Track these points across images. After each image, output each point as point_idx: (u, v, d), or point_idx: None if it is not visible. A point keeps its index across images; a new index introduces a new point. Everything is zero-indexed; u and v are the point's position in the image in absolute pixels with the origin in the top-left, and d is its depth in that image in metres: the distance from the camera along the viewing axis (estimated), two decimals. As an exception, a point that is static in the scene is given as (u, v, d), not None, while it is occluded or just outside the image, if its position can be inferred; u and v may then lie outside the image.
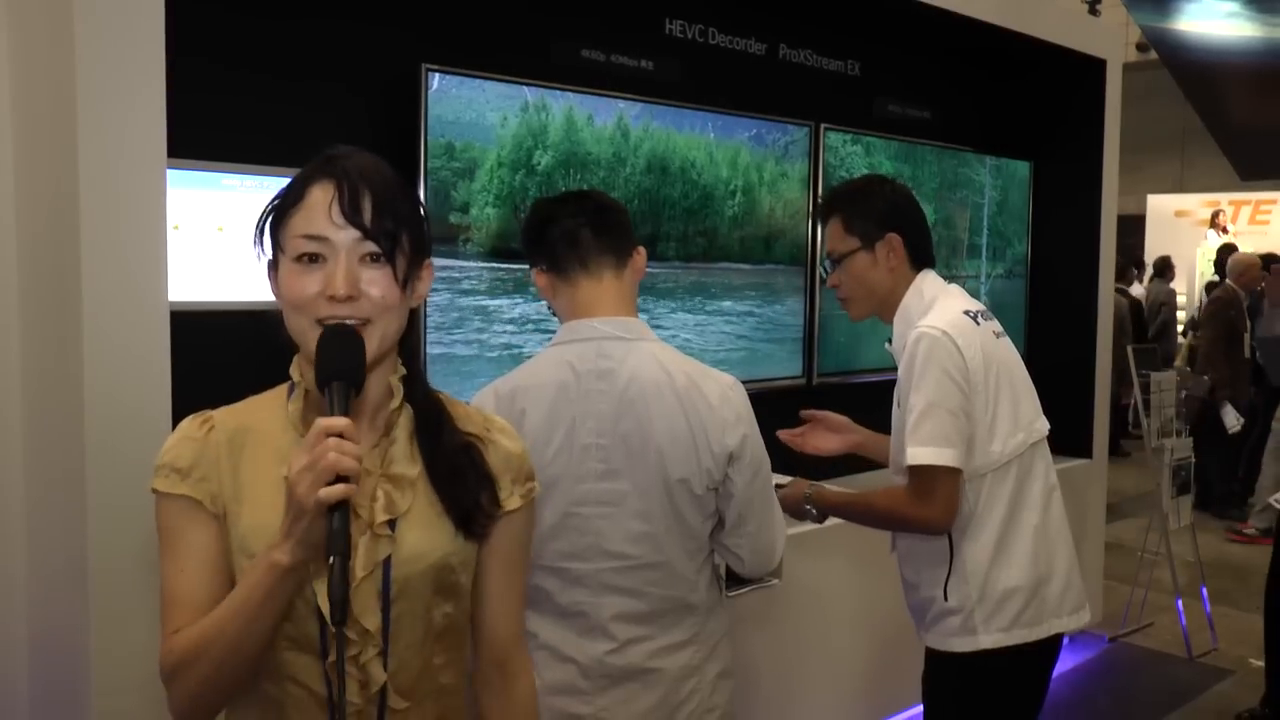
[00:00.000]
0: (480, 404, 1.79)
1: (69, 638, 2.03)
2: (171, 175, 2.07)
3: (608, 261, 1.86)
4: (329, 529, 1.09)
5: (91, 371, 1.93)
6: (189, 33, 2.22)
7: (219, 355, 2.41)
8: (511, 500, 1.36)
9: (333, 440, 1.09)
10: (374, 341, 1.23)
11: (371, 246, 1.22)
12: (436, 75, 2.75)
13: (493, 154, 2.91)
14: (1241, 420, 6.56)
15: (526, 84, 2.96)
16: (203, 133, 2.38)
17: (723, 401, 1.82)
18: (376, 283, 1.22)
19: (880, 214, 2.24)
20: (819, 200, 3.74)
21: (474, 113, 2.85)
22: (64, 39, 1.92)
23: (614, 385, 1.81)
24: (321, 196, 1.22)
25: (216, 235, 2.47)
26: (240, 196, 2.50)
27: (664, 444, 1.79)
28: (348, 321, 1.21)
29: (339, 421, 1.11)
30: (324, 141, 2.77)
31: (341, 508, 1.10)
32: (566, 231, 1.87)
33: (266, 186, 2.53)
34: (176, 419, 1.99)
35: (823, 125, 3.82)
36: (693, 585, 1.86)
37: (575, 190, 1.98)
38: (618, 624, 1.82)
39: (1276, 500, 3.79)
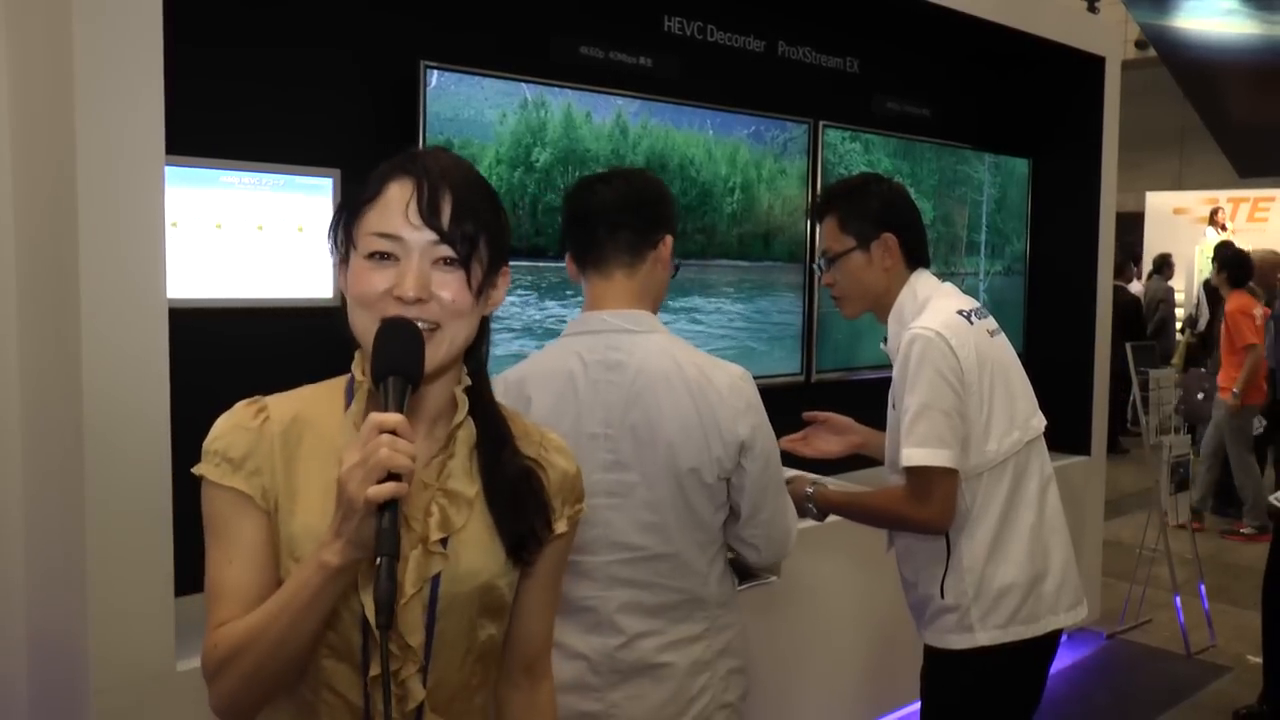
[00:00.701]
0: (502, 387, 1.78)
1: (67, 636, 2.02)
2: (169, 172, 2.06)
3: (620, 261, 1.86)
4: (378, 528, 1.05)
5: (90, 368, 1.92)
6: (187, 29, 2.22)
7: (217, 352, 2.41)
8: (560, 524, 1.33)
9: (386, 436, 1.05)
10: (441, 348, 1.18)
11: (447, 250, 1.17)
12: (435, 72, 2.75)
13: (491, 151, 2.91)
14: (1264, 423, 6.57)
15: (525, 81, 2.96)
16: (201, 129, 2.38)
17: (733, 391, 1.82)
18: (448, 286, 1.18)
19: (876, 214, 2.24)
20: (816, 197, 3.74)
21: (473, 110, 2.85)
22: (63, 36, 1.91)
23: (623, 376, 1.81)
24: (399, 194, 1.18)
25: (215, 232, 2.47)
26: (238, 194, 2.50)
27: (674, 434, 1.79)
28: (418, 318, 1.16)
29: (392, 417, 1.07)
30: (323, 139, 2.79)
31: (392, 506, 1.05)
32: (584, 228, 1.87)
33: (264, 183, 2.53)
34: (175, 416, 2.01)
35: (821, 122, 3.82)
36: (704, 578, 1.86)
37: (609, 172, 1.94)
38: (626, 617, 1.81)
39: (1276, 499, 3.79)
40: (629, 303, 1.86)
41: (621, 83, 3.27)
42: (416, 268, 1.16)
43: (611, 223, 1.85)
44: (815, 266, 2.42)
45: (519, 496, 1.28)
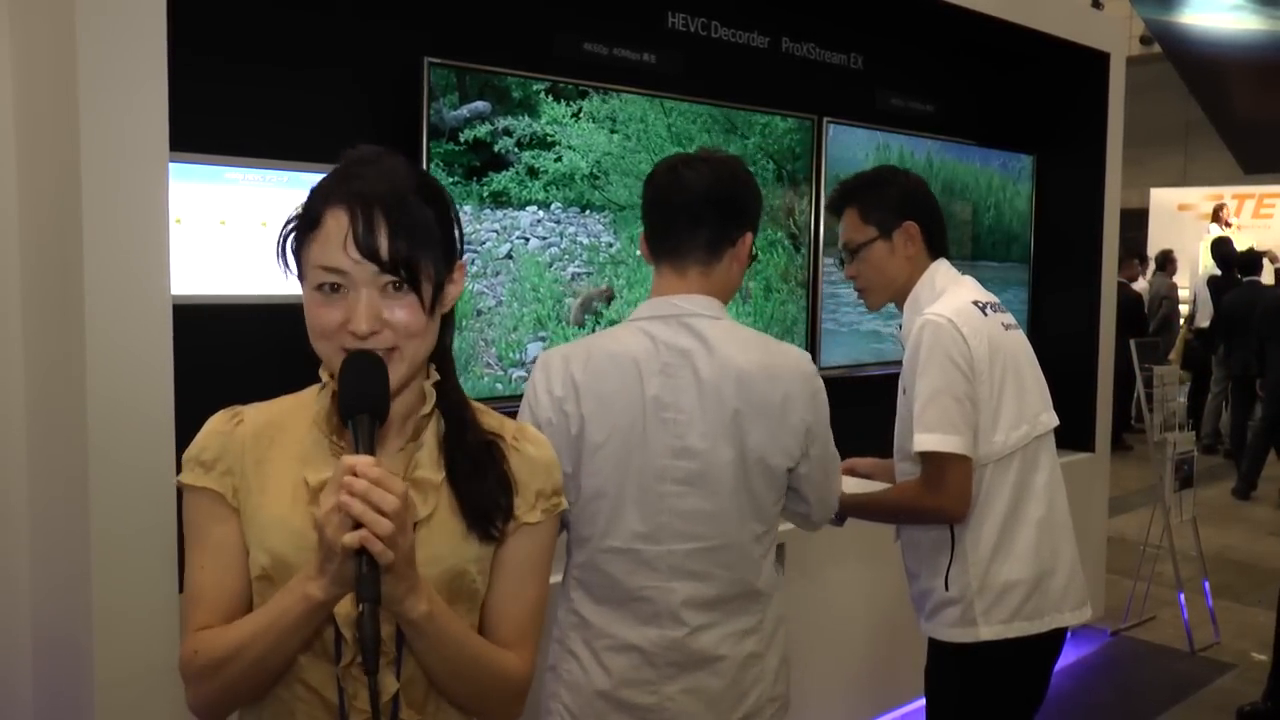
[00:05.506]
0: (545, 364, 1.77)
1: (72, 632, 2.03)
2: (173, 169, 2.06)
3: (697, 258, 1.81)
4: (357, 573, 1.07)
5: (94, 365, 1.92)
6: (191, 25, 2.22)
7: (221, 349, 2.41)
8: (533, 514, 1.32)
9: (361, 485, 1.06)
10: (401, 367, 1.20)
11: (392, 277, 1.18)
12: (439, 68, 2.74)
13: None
14: None
15: (528, 77, 2.95)
16: (205, 126, 2.37)
17: (801, 377, 1.81)
18: (400, 310, 1.19)
19: (897, 202, 2.24)
20: (820, 193, 3.73)
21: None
22: (66, 33, 1.91)
23: (696, 361, 1.76)
24: (336, 227, 1.17)
25: (219, 229, 2.47)
26: (242, 190, 2.50)
27: (746, 422, 1.76)
28: (374, 348, 1.18)
29: (363, 460, 1.08)
30: (326, 135, 2.78)
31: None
32: (663, 217, 1.83)
33: (268, 180, 2.53)
34: (179, 413, 2.01)
35: (825, 118, 3.81)
36: (758, 570, 1.83)
37: (697, 156, 1.85)
38: (687, 609, 1.77)
39: None
40: (703, 292, 1.82)
41: (625, 79, 3.27)
42: (365, 301, 1.17)
43: (692, 216, 1.80)
44: (837, 261, 2.41)
45: (479, 467, 1.29)
